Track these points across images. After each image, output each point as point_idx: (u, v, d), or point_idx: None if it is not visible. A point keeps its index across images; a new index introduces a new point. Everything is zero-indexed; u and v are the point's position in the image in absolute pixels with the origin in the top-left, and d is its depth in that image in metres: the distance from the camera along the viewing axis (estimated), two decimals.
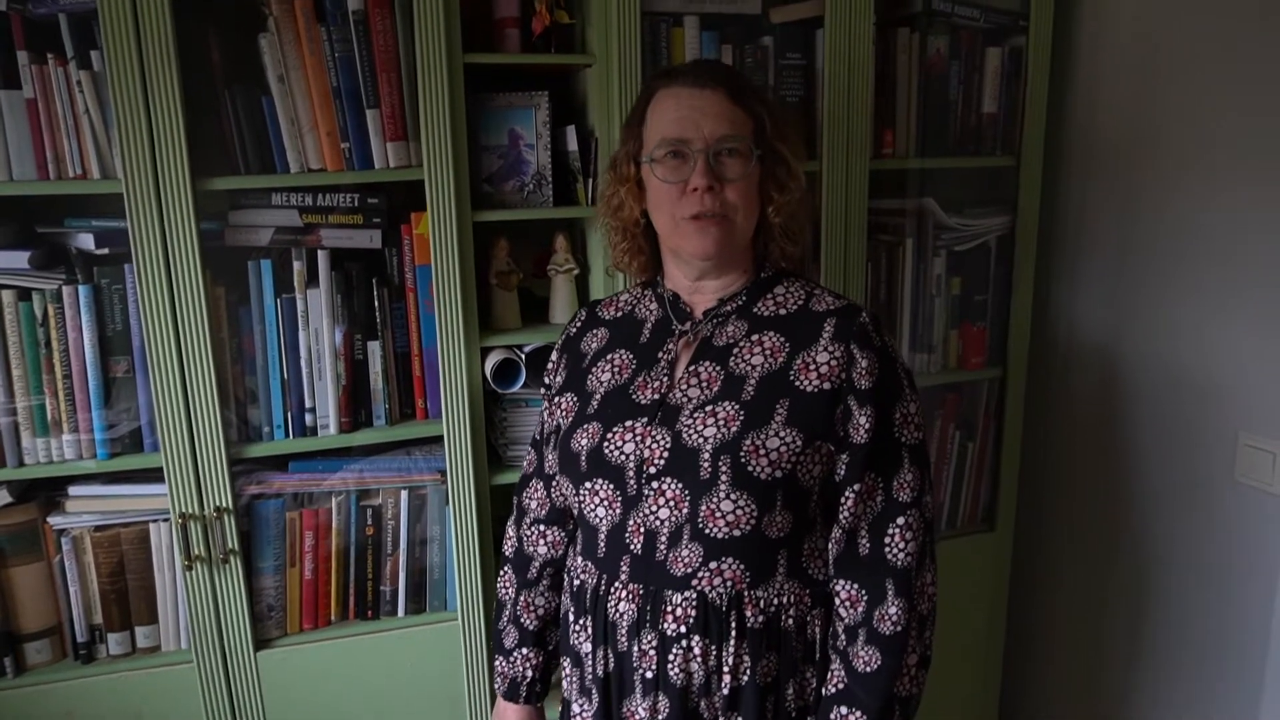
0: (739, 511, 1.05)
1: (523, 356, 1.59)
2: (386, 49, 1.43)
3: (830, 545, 1.12)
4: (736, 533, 1.06)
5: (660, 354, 1.15)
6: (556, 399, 1.21)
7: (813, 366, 1.07)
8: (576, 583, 1.18)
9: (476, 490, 1.58)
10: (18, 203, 1.42)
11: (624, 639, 1.12)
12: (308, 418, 1.53)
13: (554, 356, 1.27)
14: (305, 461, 1.57)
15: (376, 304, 1.53)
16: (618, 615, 1.12)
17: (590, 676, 1.16)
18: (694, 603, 1.08)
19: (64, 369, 1.41)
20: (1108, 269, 1.81)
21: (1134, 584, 1.81)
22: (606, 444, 1.11)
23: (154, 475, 1.46)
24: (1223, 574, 1.63)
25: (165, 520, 1.49)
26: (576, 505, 1.16)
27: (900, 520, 1.08)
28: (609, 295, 1.28)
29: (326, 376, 1.52)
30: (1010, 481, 1.95)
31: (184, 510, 1.45)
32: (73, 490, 1.48)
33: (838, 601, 1.11)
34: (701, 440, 1.06)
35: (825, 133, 1.64)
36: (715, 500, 1.05)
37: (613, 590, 1.12)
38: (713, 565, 1.07)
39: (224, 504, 1.47)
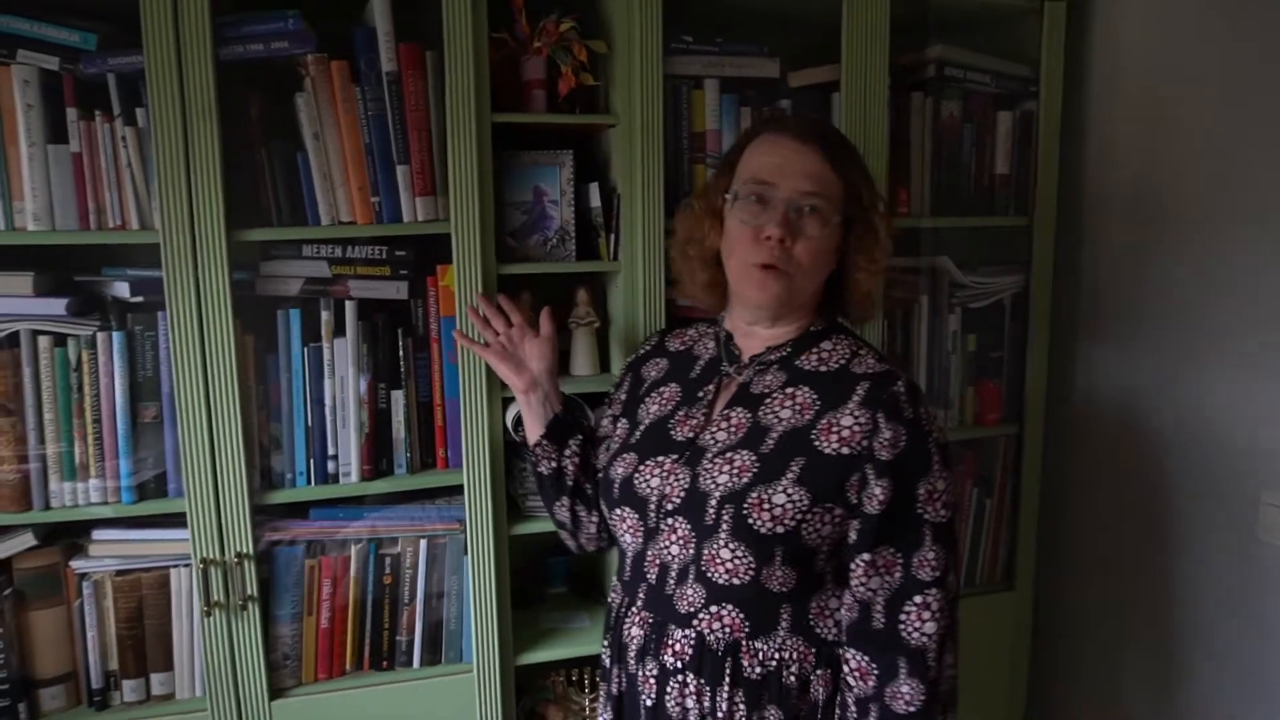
0: (736, 561, 1.07)
1: None
2: (418, 108, 1.48)
3: (844, 611, 1.11)
4: (735, 581, 1.08)
5: (701, 392, 1.19)
6: (619, 419, 1.28)
7: (835, 429, 1.08)
8: (611, 600, 1.24)
9: (495, 540, 1.58)
10: (59, 252, 1.46)
11: (633, 662, 1.16)
12: (330, 465, 1.54)
13: (622, 370, 1.36)
14: (326, 509, 1.58)
15: (401, 354, 1.56)
16: (629, 639, 1.16)
17: (608, 692, 1.22)
18: (692, 641, 1.10)
19: (94, 414, 1.44)
20: (1125, 325, 1.82)
21: (1156, 644, 1.78)
22: (637, 475, 1.16)
23: (177, 520, 1.47)
24: (1246, 633, 1.60)
25: (186, 565, 1.50)
26: (611, 527, 1.22)
27: (918, 599, 1.06)
28: (683, 326, 1.35)
29: (350, 424, 1.54)
30: (1028, 539, 1.94)
31: (205, 555, 1.46)
32: (96, 534, 1.49)
33: (846, 670, 1.10)
34: (713, 486, 1.08)
35: None
36: (715, 547, 1.08)
37: (629, 614, 1.17)
38: (713, 609, 1.09)
39: (245, 550, 1.48)
